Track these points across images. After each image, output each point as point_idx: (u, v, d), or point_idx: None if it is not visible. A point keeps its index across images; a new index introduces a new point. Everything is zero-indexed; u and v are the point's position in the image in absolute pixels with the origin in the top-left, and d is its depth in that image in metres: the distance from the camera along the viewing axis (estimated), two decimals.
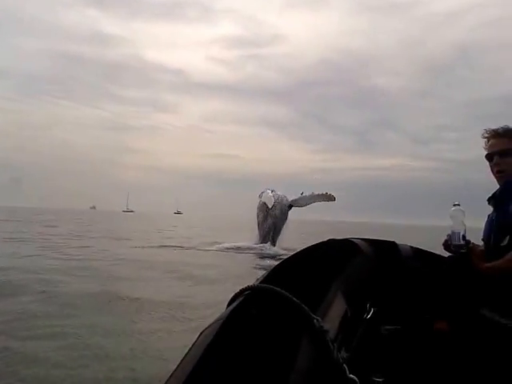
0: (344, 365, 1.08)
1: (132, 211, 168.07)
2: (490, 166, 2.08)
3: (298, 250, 2.16)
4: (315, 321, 1.06)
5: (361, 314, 1.87)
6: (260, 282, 1.34)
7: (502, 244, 1.88)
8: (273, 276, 1.49)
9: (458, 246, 2.03)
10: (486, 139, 2.11)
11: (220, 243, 18.34)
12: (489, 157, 2.07)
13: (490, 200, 2.08)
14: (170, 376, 0.90)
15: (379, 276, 2.21)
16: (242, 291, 1.20)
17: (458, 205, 2.10)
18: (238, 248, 16.96)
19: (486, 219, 2.12)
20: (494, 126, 2.08)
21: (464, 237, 2.02)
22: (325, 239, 2.43)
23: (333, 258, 2.04)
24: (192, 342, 1.02)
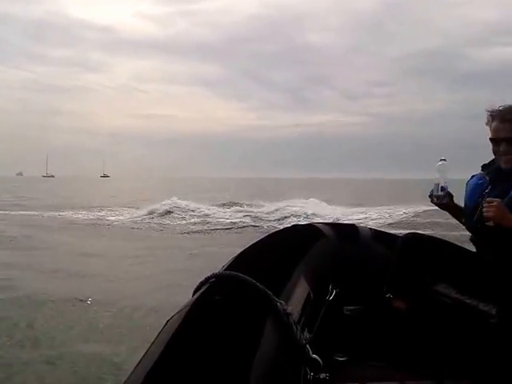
0: (307, 345, 1.13)
1: (52, 176, 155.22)
2: (494, 149, 1.99)
3: (263, 236, 2.20)
4: (279, 304, 1.10)
5: (323, 296, 1.93)
6: (225, 269, 1.36)
7: (487, 223, 1.87)
8: (238, 262, 1.52)
9: (436, 197, 2.13)
10: (489, 118, 1.98)
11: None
12: (494, 142, 1.96)
13: (484, 167, 2.06)
14: (138, 363, 0.92)
15: (341, 258, 2.28)
16: (207, 279, 1.22)
17: (445, 160, 2.13)
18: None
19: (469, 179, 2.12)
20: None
21: (443, 188, 2.08)
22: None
23: (296, 243, 2.09)
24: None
